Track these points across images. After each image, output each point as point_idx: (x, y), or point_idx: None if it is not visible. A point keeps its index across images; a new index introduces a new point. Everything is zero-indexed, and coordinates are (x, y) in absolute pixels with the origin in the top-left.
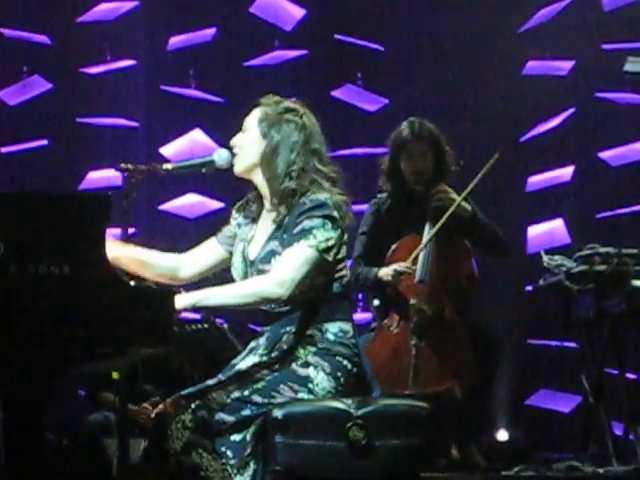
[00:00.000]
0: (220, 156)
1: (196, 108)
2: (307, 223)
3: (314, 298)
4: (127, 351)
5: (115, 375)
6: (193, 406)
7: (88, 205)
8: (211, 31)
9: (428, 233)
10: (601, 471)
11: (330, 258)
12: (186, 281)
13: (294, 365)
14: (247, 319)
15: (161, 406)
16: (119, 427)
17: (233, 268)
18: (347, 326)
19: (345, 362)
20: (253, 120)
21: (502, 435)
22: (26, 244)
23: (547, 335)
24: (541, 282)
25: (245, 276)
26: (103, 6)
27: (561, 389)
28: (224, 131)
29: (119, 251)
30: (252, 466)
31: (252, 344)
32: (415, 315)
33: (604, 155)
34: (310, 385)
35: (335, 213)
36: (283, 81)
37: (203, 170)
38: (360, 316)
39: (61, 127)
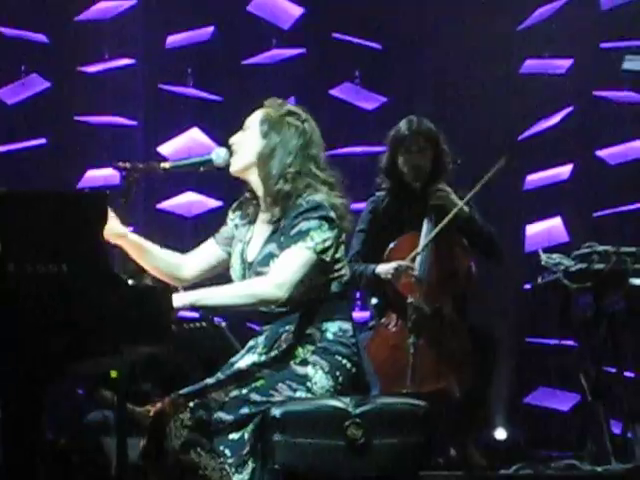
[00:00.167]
0: (218, 155)
1: (194, 107)
2: (304, 224)
3: (313, 298)
4: (125, 350)
5: (114, 374)
6: (192, 405)
7: (86, 204)
8: (209, 30)
9: (426, 231)
10: (599, 469)
11: (328, 259)
12: (186, 282)
13: (293, 364)
14: (246, 318)
15: (160, 405)
16: (118, 426)
17: (231, 269)
18: (347, 325)
19: (344, 361)
20: (254, 120)
21: (500, 434)
22: (24, 243)
23: (545, 333)
24: (539, 280)
25: (243, 278)
26: (101, 5)
27: (559, 387)
28: (222, 129)
29: (123, 231)
30: (250, 465)
31: (251, 343)
32: (413, 313)
33: (602, 153)
34: (309, 384)
35: (332, 214)
36: (281, 80)
37: (201, 169)
38: (358, 314)
39: (59, 126)
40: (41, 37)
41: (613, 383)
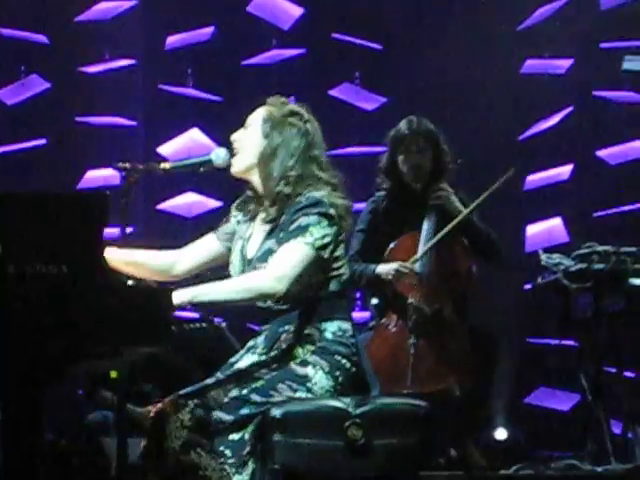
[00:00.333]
0: (218, 155)
1: (194, 107)
2: (303, 220)
3: (312, 296)
4: (125, 350)
5: (113, 374)
6: (192, 405)
7: (86, 204)
8: (209, 30)
9: (426, 231)
10: (600, 469)
11: (326, 255)
12: (182, 276)
13: (293, 364)
14: (246, 318)
15: (160, 405)
16: (118, 427)
17: (231, 266)
18: (346, 325)
19: (344, 361)
20: (257, 118)
21: (501, 434)
22: (24, 243)
23: (545, 334)
24: (539, 281)
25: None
26: (101, 5)
27: (560, 387)
28: (222, 130)
29: (114, 255)
30: (251, 465)
31: (250, 343)
32: (413, 314)
33: (602, 153)
34: (309, 384)
35: (331, 211)
36: (281, 80)
37: (201, 169)
38: (358, 314)
39: (59, 126)
40: (41, 37)
41: (613, 383)
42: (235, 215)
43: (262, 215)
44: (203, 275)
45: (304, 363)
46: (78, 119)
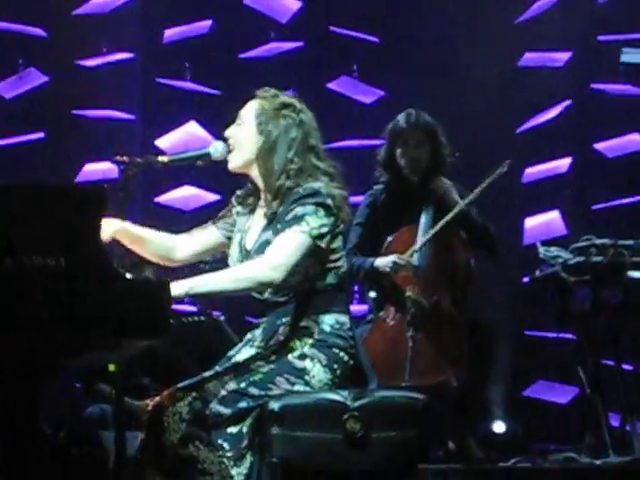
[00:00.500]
0: (216, 148)
1: (192, 100)
2: (299, 210)
3: (310, 288)
4: (124, 343)
5: (111, 368)
6: (190, 398)
7: (84, 197)
8: (207, 23)
9: (424, 224)
10: (598, 462)
11: (323, 245)
12: (181, 262)
13: (290, 357)
14: (244, 311)
15: (158, 399)
16: (116, 420)
17: (230, 258)
18: (343, 318)
19: (342, 354)
20: (249, 113)
21: (499, 427)
22: (22, 236)
23: (544, 327)
24: (537, 274)
25: None
26: None
27: (558, 380)
28: (220, 123)
29: (118, 225)
30: (249, 458)
31: (248, 336)
32: (412, 307)
33: (600, 146)
34: (307, 377)
35: (329, 201)
36: (278, 73)
37: (199, 162)
38: (356, 308)
39: (57, 120)
40: (39, 31)
41: (611, 376)
42: (235, 206)
43: (263, 208)
44: (201, 268)
45: (302, 356)
46: (76, 112)
